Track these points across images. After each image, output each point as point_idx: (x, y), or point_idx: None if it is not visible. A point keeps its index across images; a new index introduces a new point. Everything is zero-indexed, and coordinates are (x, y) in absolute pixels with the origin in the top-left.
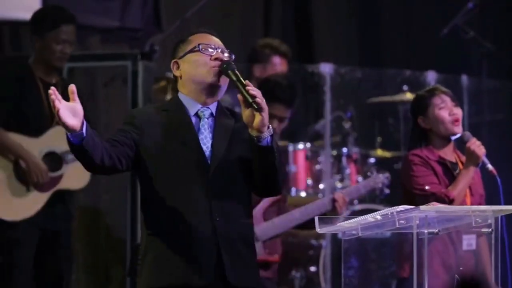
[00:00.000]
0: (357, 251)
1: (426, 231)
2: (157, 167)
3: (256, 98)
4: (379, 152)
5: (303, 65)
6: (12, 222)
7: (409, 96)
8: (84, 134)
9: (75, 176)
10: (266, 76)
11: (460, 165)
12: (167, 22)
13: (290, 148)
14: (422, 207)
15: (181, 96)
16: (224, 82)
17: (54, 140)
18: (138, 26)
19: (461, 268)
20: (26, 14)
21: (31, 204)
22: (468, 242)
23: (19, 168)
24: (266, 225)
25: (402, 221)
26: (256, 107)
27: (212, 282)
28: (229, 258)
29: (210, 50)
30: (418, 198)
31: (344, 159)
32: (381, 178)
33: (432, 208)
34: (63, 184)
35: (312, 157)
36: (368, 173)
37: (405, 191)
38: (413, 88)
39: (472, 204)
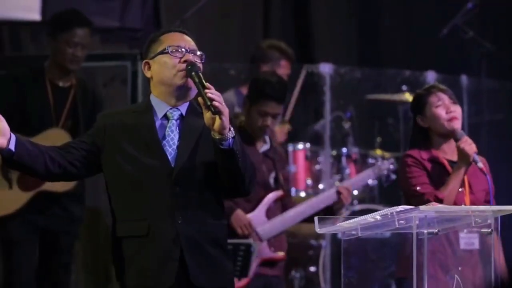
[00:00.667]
0: (357, 251)
1: (425, 231)
2: (119, 170)
3: (214, 101)
4: (379, 152)
5: (303, 65)
6: (3, 222)
7: (408, 96)
8: (13, 150)
9: None
10: (255, 76)
11: None
12: (166, 22)
13: (290, 148)
14: (421, 207)
15: (152, 97)
16: (193, 83)
17: (47, 141)
18: (138, 26)
19: (459, 268)
20: (25, 14)
21: (10, 201)
22: (468, 241)
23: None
24: (270, 224)
25: (401, 221)
26: (213, 110)
27: (175, 284)
28: (193, 260)
29: (179, 52)
30: (412, 199)
31: (343, 159)
32: (386, 165)
33: (432, 208)
34: (48, 186)
35: (311, 157)
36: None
37: (404, 191)
38: (413, 88)
39: (472, 202)
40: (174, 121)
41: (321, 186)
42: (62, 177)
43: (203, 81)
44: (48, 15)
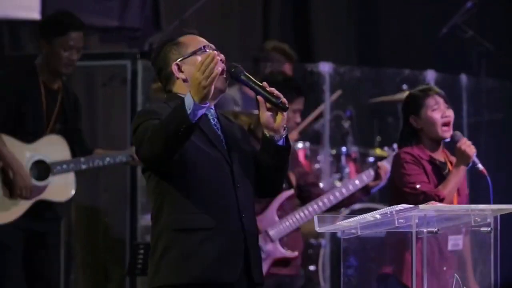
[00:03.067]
0: (356, 250)
1: (425, 230)
2: (188, 165)
3: (282, 98)
4: (378, 151)
5: (302, 64)
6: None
7: None
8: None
9: (59, 188)
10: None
11: (449, 164)
12: (166, 22)
13: None
14: (421, 206)
15: (183, 96)
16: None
17: (45, 149)
18: (137, 25)
19: (444, 268)
20: (25, 14)
21: (11, 209)
22: (454, 242)
23: (6, 173)
24: (280, 224)
25: (401, 220)
26: (283, 107)
27: (239, 279)
28: (255, 256)
29: (214, 51)
30: (409, 196)
31: (343, 158)
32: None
33: (432, 207)
34: (47, 195)
35: (311, 156)
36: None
37: (395, 189)
38: (412, 87)
39: (459, 204)
40: (213, 120)
41: (320, 185)
42: (171, 161)
43: (256, 80)
44: (48, 14)
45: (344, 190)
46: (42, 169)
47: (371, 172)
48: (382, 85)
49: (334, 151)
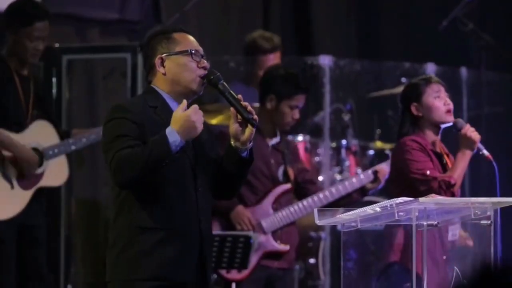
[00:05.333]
0: (356, 243)
1: (425, 223)
2: None
3: (254, 115)
4: (378, 144)
5: (302, 57)
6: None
7: None
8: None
9: (54, 173)
10: (274, 71)
11: (445, 156)
12: (166, 15)
13: (290, 140)
14: (421, 199)
15: (162, 92)
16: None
17: (36, 136)
18: (137, 18)
19: (444, 257)
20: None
21: (15, 202)
22: (453, 232)
23: (4, 164)
24: (274, 217)
25: (401, 213)
26: (252, 123)
27: (193, 279)
28: (208, 256)
29: (198, 57)
30: (419, 182)
31: (343, 151)
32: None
33: (432, 200)
34: (45, 181)
35: (311, 149)
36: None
37: (397, 176)
38: None
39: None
40: None
41: (320, 178)
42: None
43: (232, 92)
44: (46, 6)
45: (341, 187)
46: (37, 157)
47: (370, 174)
48: (382, 78)
49: (334, 144)
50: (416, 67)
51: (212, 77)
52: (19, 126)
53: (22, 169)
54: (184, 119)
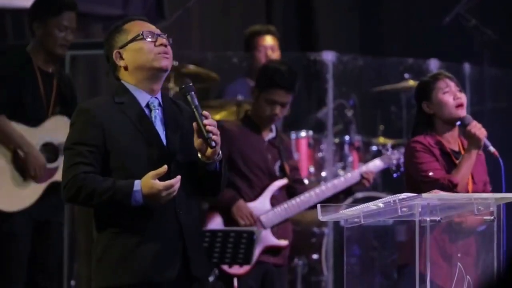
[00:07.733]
0: (359, 239)
1: (428, 218)
2: (123, 165)
3: (214, 135)
4: (381, 140)
5: (306, 53)
6: (7, 214)
7: (411, 83)
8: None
9: None
10: (264, 63)
11: (463, 152)
12: (169, 11)
13: (293, 136)
14: (424, 195)
15: (128, 86)
16: (170, 65)
17: (52, 131)
18: (140, 14)
19: (459, 255)
20: (27, 2)
21: (27, 195)
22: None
23: (17, 158)
24: (273, 212)
25: (404, 209)
26: (212, 145)
27: (177, 277)
28: (194, 252)
29: (153, 36)
30: (423, 185)
31: (346, 147)
32: (396, 155)
33: (435, 196)
34: (58, 176)
35: (314, 145)
36: (383, 151)
37: (408, 178)
38: (415, 76)
39: (474, 191)
40: (156, 111)
41: (323, 173)
42: None
43: (199, 107)
44: None
45: (336, 182)
46: (51, 151)
47: (357, 176)
48: (385, 74)
49: (337, 140)
50: (419, 63)
51: (183, 86)
52: (38, 123)
53: (28, 169)
54: (154, 192)
